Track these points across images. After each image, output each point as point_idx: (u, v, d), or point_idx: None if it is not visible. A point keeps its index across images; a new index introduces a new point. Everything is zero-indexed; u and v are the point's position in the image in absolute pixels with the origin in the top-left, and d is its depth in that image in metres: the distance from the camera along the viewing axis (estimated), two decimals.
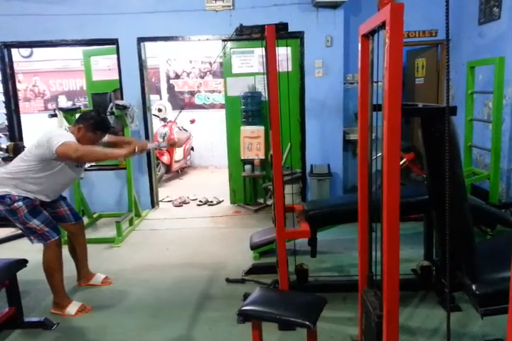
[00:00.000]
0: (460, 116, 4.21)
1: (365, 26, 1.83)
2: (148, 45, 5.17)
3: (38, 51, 7.78)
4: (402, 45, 1.45)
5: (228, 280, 3.27)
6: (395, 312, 1.65)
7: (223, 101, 6.14)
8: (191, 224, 4.78)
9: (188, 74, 8.12)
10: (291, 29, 2.61)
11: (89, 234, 4.40)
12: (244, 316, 2.23)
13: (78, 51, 6.07)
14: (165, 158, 6.79)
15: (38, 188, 2.80)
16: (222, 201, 5.59)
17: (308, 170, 5.14)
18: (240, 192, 5.41)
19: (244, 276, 3.32)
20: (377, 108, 1.79)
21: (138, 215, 4.93)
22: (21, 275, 2.72)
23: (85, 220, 4.72)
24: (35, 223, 2.75)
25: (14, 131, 5.25)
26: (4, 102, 5.18)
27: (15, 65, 5.36)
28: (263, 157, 5.13)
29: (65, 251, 3.30)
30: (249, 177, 5.31)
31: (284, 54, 4.49)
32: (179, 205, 5.56)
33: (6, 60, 5.11)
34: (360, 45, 1.93)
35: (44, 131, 2.88)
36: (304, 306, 2.01)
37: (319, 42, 4.92)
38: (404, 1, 3.14)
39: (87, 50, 5.72)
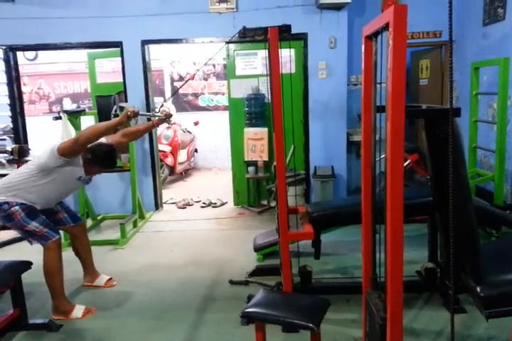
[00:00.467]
0: (464, 117, 4.19)
1: (368, 28, 1.83)
2: (152, 48, 5.19)
3: (42, 54, 7.81)
4: (405, 46, 1.45)
5: (232, 282, 3.27)
6: (398, 314, 1.64)
7: (227, 103, 6.15)
8: (195, 226, 4.79)
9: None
10: (294, 31, 2.62)
11: (93, 236, 4.42)
12: (247, 318, 2.23)
13: (83, 54, 6.09)
14: (169, 160, 6.81)
15: (36, 197, 2.80)
16: (226, 203, 5.59)
17: (311, 171, 5.13)
18: (243, 194, 5.41)
19: (248, 278, 3.31)
20: (381, 109, 1.78)
21: (142, 217, 4.94)
22: (26, 277, 2.73)
23: (89, 222, 4.76)
24: (33, 225, 2.74)
25: (19, 133, 5.27)
26: (9, 105, 5.21)
27: (20, 68, 5.39)
28: (266, 159, 5.13)
29: (70, 252, 3.33)
30: (252, 179, 5.31)
31: (287, 56, 4.49)
32: (183, 207, 5.56)
33: (12, 62, 5.14)
34: (363, 46, 1.93)
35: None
36: (308, 308, 2.01)
37: (323, 43, 4.92)
38: (408, 2, 3.15)
39: (91, 53, 5.74)
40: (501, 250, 2.38)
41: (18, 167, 4.61)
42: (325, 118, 5.06)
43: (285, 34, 2.43)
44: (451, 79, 1.43)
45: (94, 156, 2.91)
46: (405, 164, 4.39)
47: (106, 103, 4.66)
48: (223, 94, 7.93)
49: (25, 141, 5.28)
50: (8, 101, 5.20)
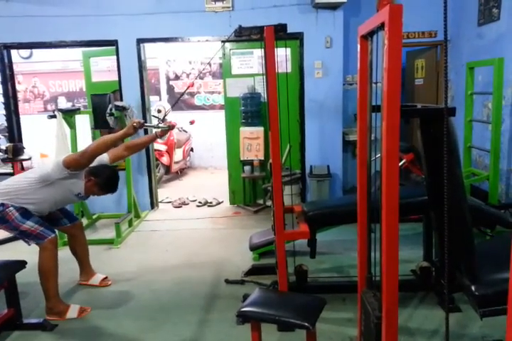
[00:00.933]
0: (459, 116, 4.20)
1: (364, 27, 1.83)
2: (147, 46, 5.17)
3: (37, 52, 7.78)
4: (401, 46, 1.45)
5: (227, 281, 3.26)
6: (394, 313, 1.65)
7: (223, 102, 6.14)
8: (191, 225, 4.78)
9: (188, 75, 8.12)
10: (290, 30, 2.61)
11: (89, 235, 4.39)
12: (243, 317, 2.23)
13: (78, 52, 6.08)
14: (164, 159, 6.79)
15: (30, 206, 2.79)
16: (222, 202, 5.59)
17: (307, 170, 5.14)
18: (239, 193, 5.41)
19: (244, 277, 3.31)
20: (377, 109, 1.78)
21: (137, 216, 4.93)
22: (20, 276, 2.72)
23: (84, 221, 4.73)
24: (28, 224, 2.73)
25: (13, 132, 5.24)
26: (4, 103, 5.18)
27: (14, 66, 5.36)
28: (262, 158, 5.13)
29: (65, 251, 3.32)
30: (248, 178, 5.31)
31: (283, 55, 4.48)
32: (179, 206, 5.55)
33: (6, 61, 5.11)
34: (359, 46, 1.93)
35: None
36: (303, 307, 2.01)
37: (319, 43, 4.93)
38: (404, 2, 3.15)
39: (86, 51, 5.73)
40: (496, 249, 2.39)
41: (12, 166, 4.60)
42: (321, 118, 5.07)
43: (281, 33, 2.43)
44: (446, 78, 1.44)
45: (98, 179, 2.89)
46: (400, 163, 4.41)
47: (101, 102, 4.63)
48: (219, 93, 7.92)
49: (20, 140, 5.25)
50: (2, 99, 5.18)
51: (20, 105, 6.26)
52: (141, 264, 3.71)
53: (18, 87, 6.01)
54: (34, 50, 7.68)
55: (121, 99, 4.98)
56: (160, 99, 8.04)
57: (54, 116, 4.53)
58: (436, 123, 2.00)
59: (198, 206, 5.54)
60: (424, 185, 2.73)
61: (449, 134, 1.78)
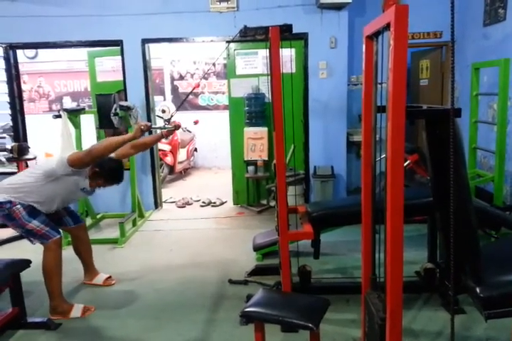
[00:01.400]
0: (465, 117, 4.19)
1: (369, 28, 1.82)
2: (152, 47, 5.18)
3: (42, 52, 7.81)
4: (406, 46, 1.45)
5: (231, 282, 3.26)
6: (398, 314, 1.64)
7: (227, 103, 6.15)
8: (194, 225, 4.78)
9: (192, 76, 8.13)
10: (295, 30, 2.61)
11: (93, 235, 4.41)
12: (246, 318, 2.23)
13: (83, 52, 6.10)
14: (168, 159, 6.80)
15: (38, 201, 2.80)
16: (226, 202, 5.59)
17: (311, 171, 5.13)
18: (243, 193, 5.41)
19: (247, 277, 3.31)
20: (382, 109, 1.78)
21: (141, 216, 4.94)
22: (25, 275, 2.73)
23: (89, 221, 4.75)
24: (34, 224, 2.75)
25: (19, 131, 5.27)
26: (9, 103, 5.20)
27: (20, 66, 5.38)
28: (266, 158, 5.13)
29: (69, 251, 3.33)
30: (252, 179, 5.31)
31: (288, 55, 4.48)
32: (182, 206, 5.56)
33: (12, 61, 5.14)
34: (364, 46, 1.92)
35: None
36: (307, 308, 2.00)
37: (323, 43, 4.92)
38: (409, 2, 3.14)
39: (91, 51, 5.74)
40: (501, 251, 2.38)
41: (17, 165, 4.62)
42: (325, 118, 5.06)
43: (286, 34, 2.43)
44: (453, 79, 1.43)
45: (102, 170, 2.91)
46: (405, 164, 4.39)
47: (106, 101, 4.65)
48: (223, 93, 7.93)
49: (25, 139, 5.27)
50: (8, 99, 5.20)
51: (26, 105, 6.28)
52: (144, 264, 3.72)
53: (23, 86, 6.03)
54: (39, 50, 7.70)
55: (126, 99, 5.00)
56: (164, 99, 8.05)
57: (59, 116, 4.55)
58: (442, 125, 1.99)
59: (201, 206, 5.54)
60: (428, 186, 2.72)
61: (455, 135, 1.77)
